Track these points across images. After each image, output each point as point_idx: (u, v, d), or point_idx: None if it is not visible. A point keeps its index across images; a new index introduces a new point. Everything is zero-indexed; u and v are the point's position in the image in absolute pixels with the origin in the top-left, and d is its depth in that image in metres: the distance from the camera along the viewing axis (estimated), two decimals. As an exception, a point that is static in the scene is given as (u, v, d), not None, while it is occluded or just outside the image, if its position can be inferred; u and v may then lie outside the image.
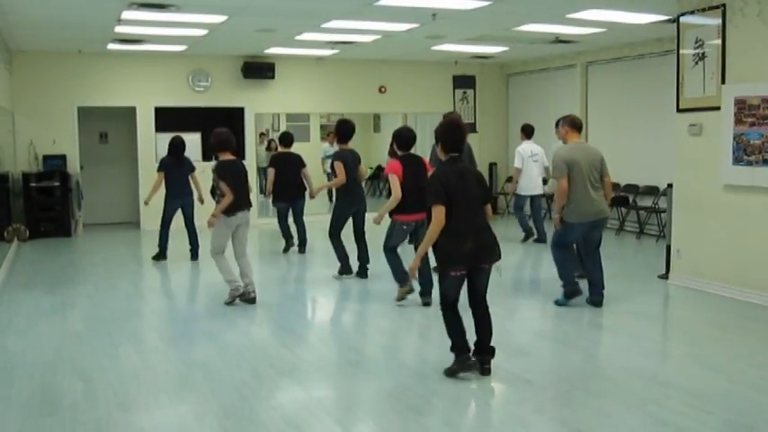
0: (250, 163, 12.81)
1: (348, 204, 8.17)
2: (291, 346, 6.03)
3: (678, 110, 7.90)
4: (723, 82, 7.29)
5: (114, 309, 7.25)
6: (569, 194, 6.66)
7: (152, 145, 12.89)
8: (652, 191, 11.46)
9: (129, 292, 8.10)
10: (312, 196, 9.90)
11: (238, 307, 7.09)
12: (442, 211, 4.77)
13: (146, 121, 12.90)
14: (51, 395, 4.81)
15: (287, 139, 10.22)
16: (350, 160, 8.11)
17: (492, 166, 14.88)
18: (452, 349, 5.02)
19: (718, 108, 7.34)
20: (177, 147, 9.58)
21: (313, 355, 5.83)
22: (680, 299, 7.58)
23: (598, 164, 6.78)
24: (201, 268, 9.27)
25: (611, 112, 12.51)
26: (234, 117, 13.19)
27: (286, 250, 10.24)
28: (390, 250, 7.05)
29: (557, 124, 8.93)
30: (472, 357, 5.01)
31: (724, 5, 7.21)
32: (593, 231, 6.90)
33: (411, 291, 7.08)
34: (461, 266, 4.86)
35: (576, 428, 4.21)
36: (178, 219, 9.66)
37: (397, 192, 6.70)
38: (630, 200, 11.85)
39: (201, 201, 9.65)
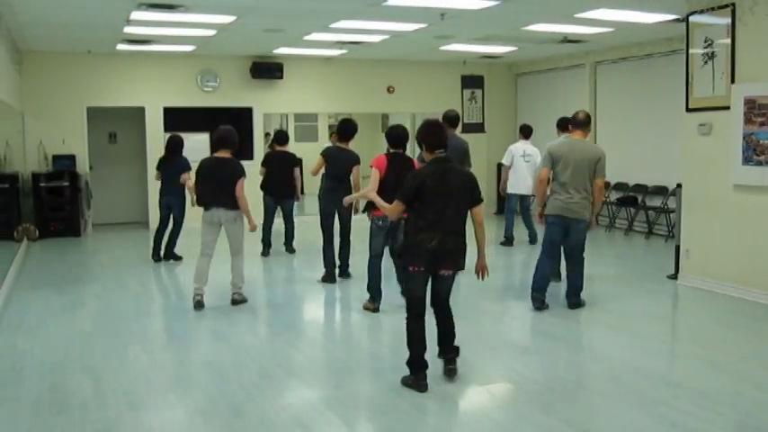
0: (257, 163, 12.77)
1: (328, 202, 8.04)
2: (299, 345, 6.04)
3: (687, 109, 7.87)
4: (733, 81, 7.26)
5: (123, 308, 7.27)
6: (550, 186, 6.77)
7: (161, 145, 12.86)
8: (661, 191, 11.41)
9: (138, 292, 8.13)
10: (298, 198, 9.99)
11: (245, 307, 7.10)
12: (399, 207, 4.85)
13: (154, 122, 12.94)
14: (61, 394, 4.83)
15: (281, 137, 10.20)
16: (337, 158, 7.99)
17: (500, 166, 14.83)
18: (408, 364, 4.82)
19: (727, 108, 7.31)
20: (172, 145, 9.55)
21: (321, 355, 5.84)
22: (689, 299, 7.55)
23: (592, 164, 6.60)
24: (214, 268, 9.27)
25: (619, 112, 12.48)
26: (242, 117, 13.22)
27: (265, 254, 10.02)
28: (374, 258, 6.96)
29: (558, 125, 9.01)
30: (426, 378, 4.78)
31: (733, 4, 7.18)
32: (569, 234, 6.73)
33: (376, 311, 6.92)
34: (420, 264, 4.75)
35: (584, 429, 4.20)
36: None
37: (374, 184, 6.50)
38: (639, 200, 11.81)
39: (192, 203, 9.54)
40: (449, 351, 5.00)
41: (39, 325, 6.64)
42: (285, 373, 5.27)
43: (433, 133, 4.92)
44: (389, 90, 14.31)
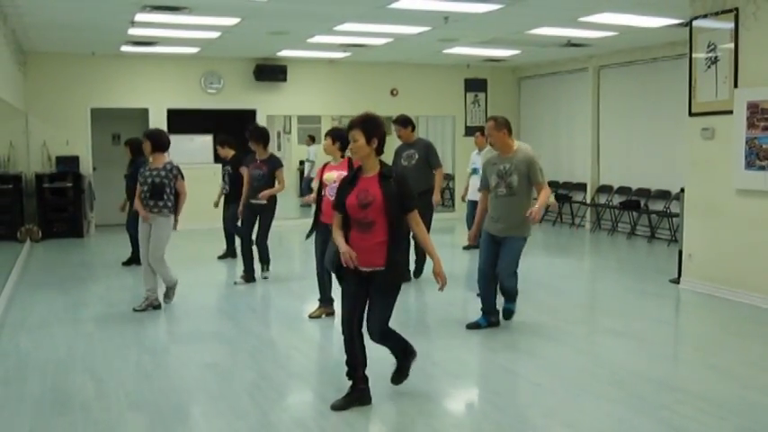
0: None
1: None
2: (301, 347, 6.04)
3: (690, 114, 7.87)
4: (736, 86, 7.26)
5: (126, 309, 7.28)
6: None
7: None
8: (664, 195, 11.41)
9: (141, 293, 8.10)
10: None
11: (248, 309, 7.11)
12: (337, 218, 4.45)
13: (158, 123, 12.90)
14: (63, 395, 4.84)
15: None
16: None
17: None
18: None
19: (730, 112, 7.31)
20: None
21: (322, 357, 5.84)
22: (692, 303, 7.54)
23: None
24: (214, 270, 9.30)
25: (623, 116, 12.47)
26: (246, 119, 13.23)
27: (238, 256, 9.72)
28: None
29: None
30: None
31: (737, 9, 7.18)
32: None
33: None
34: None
35: (586, 433, 4.20)
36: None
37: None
38: (642, 204, 11.80)
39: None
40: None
41: (41, 325, 6.65)
42: (287, 375, 5.28)
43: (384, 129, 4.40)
44: (393, 93, 14.33)
